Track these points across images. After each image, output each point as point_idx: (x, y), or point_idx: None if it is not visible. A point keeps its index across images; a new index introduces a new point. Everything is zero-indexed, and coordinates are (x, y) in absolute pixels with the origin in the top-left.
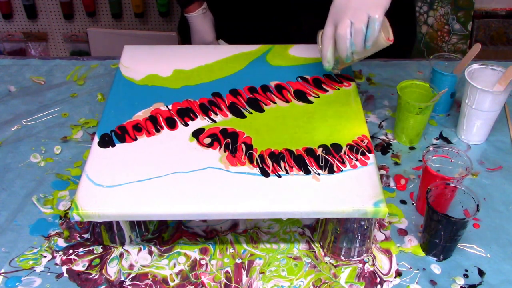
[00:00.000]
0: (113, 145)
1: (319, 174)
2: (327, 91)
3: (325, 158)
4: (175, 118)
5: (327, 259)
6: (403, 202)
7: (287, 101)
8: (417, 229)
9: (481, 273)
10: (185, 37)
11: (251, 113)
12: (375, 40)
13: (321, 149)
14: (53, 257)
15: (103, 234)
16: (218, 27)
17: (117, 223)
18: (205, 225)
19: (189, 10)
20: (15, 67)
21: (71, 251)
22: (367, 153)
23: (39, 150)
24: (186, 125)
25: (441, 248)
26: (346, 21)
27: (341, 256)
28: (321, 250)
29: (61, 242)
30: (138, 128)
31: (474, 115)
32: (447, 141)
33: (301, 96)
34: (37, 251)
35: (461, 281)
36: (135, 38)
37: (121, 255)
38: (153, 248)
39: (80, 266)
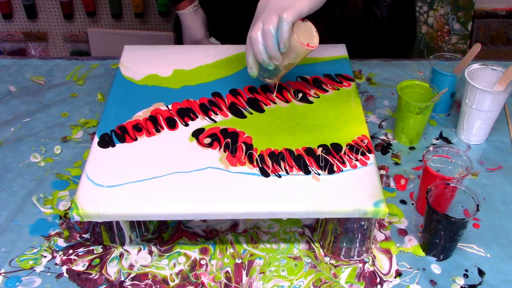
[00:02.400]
0: (113, 145)
1: (319, 174)
2: (327, 91)
3: (325, 158)
4: (175, 118)
5: (327, 259)
6: (403, 202)
7: (287, 101)
8: (417, 229)
9: (481, 273)
10: (180, 35)
11: (251, 113)
12: (288, 43)
13: (321, 149)
14: (53, 257)
15: (103, 234)
16: (218, 27)
17: (117, 223)
18: (205, 225)
19: (180, 7)
20: (15, 67)
21: (71, 251)
22: (367, 153)
23: (39, 150)
24: (186, 125)
25: (441, 248)
26: (258, 24)
27: (341, 256)
28: (321, 250)
29: (61, 242)
30: (138, 128)
31: (474, 115)
32: (447, 141)
33: (301, 96)
34: (37, 251)
35: (461, 281)
36: (135, 38)
37: (121, 255)
38: (153, 248)
39: (80, 266)
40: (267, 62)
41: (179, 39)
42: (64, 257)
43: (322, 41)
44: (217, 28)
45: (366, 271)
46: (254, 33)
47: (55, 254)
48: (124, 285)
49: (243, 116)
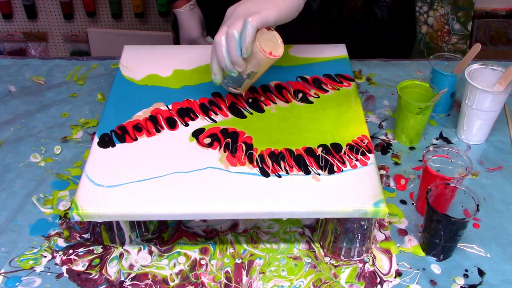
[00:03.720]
0: (113, 145)
1: (319, 174)
2: (327, 91)
3: (325, 158)
4: (175, 118)
5: (327, 259)
6: (403, 202)
7: (287, 101)
8: (417, 229)
9: (481, 273)
10: (178, 34)
11: (252, 113)
12: (250, 49)
13: (321, 148)
14: (53, 257)
15: (103, 234)
16: (215, 27)
17: (117, 223)
18: (205, 225)
19: (176, 5)
20: (15, 67)
21: (71, 251)
22: (367, 153)
23: (39, 150)
24: (186, 125)
25: (441, 248)
26: (223, 28)
27: (341, 256)
28: (321, 250)
29: (61, 242)
30: (138, 128)
31: (474, 115)
32: (447, 141)
33: (301, 96)
34: (37, 251)
35: (461, 281)
36: (135, 38)
37: (121, 255)
38: (153, 248)
39: (80, 266)
40: (230, 67)
41: (177, 38)
42: (64, 257)
43: (319, 41)
44: (215, 28)
45: (366, 271)
46: (218, 37)
47: (55, 254)
48: (124, 285)
49: (243, 116)
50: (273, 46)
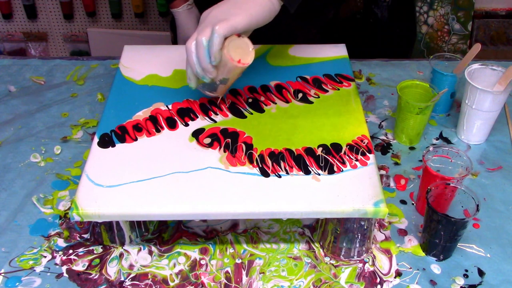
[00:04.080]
0: (113, 145)
1: (319, 174)
2: (327, 91)
3: (325, 158)
4: (175, 118)
5: (327, 259)
6: (403, 202)
7: (287, 101)
8: (417, 229)
9: (481, 273)
10: (176, 34)
11: (252, 113)
12: (218, 56)
13: (321, 149)
14: (53, 257)
15: (103, 234)
16: None
17: (117, 223)
18: (205, 225)
19: (174, 5)
20: (15, 67)
21: (71, 251)
22: (367, 153)
23: (39, 150)
24: (187, 125)
25: (441, 248)
26: (194, 35)
27: (341, 256)
28: (321, 250)
29: (61, 242)
30: (138, 128)
31: (474, 115)
32: (447, 141)
33: (301, 96)
34: (37, 251)
35: (461, 281)
36: (135, 38)
37: (121, 255)
38: (153, 248)
39: (80, 266)
40: (201, 74)
41: (176, 38)
42: (64, 257)
43: (317, 41)
44: None
45: (366, 271)
46: (189, 44)
47: (55, 254)
48: (124, 285)
49: (243, 116)
50: (243, 53)
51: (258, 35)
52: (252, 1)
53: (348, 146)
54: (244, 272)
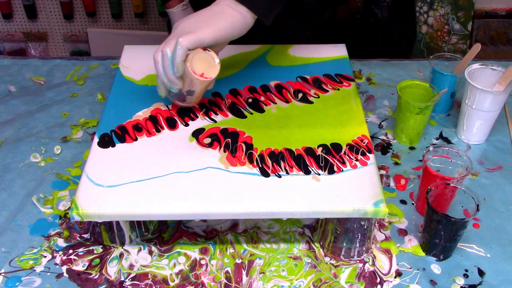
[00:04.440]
0: (113, 145)
1: (319, 174)
2: (327, 91)
3: (325, 158)
4: (175, 118)
5: (327, 259)
6: (403, 202)
7: (287, 101)
8: (417, 229)
9: (481, 273)
10: None
11: (252, 113)
12: (181, 68)
13: (321, 149)
14: (53, 257)
15: (103, 234)
16: None
17: (117, 223)
18: (205, 225)
19: (169, 5)
20: (15, 67)
21: (71, 251)
22: (367, 153)
23: (39, 150)
24: (187, 125)
25: (441, 248)
26: (161, 46)
27: (341, 256)
28: (321, 250)
29: (61, 242)
30: (138, 128)
31: (474, 115)
32: (447, 141)
33: (301, 96)
34: (37, 251)
35: (461, 281)
36: (135, 38)
37: (121, 255)
38: (153, 248)
39: (80, 266)
40: (167, 84)
41: None
42: (64, 257)
43: (312, 43)
44: None
45: (366, 271)
46: (156, 54)
47: (55, 254)
48: (124, 285)
49: (243, 116)
50: (207, 67)
51: (251, 36)
52: (223, 15)
53: (348, 146)
54: (244, 272)
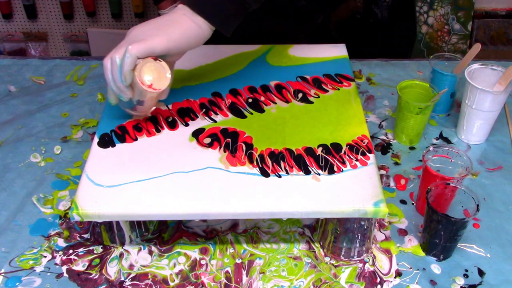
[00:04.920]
0: (113, 145)
1: (319, 174)
2: (327, 91)
3: (325, 158)
4: (175, 118)
5: (327, 259)
6: (403, 202)
7: (287, 101)
8: (417, 229)
9: (481, 273)
10: None
11: (252, 113)
12: (129, 78)
13: (321, 148)
14: (53, 257)
15: (103, 234)
16: None
17: (117, 223)
18: (205, 225)
19: (161, 6)
20: (15, 67)
21: (71, 251)
22: (367, 153)
23: (39, 150)
24: (187, 125)
25: (441, 248)
26: (111, 52)
27: (341, 256)
28: (321, 250)
29: (61, 242)
30: (138, 128)
31: (474, 115)
32: (447, 141)
33: (301, 96)
34: (37, 251)
35: (461, 281)
36: None
37: (121, 255)
38: (153, 248)
39: (80, 266)
40: (117, 92)
41: None
42: (64, 257)
43: (309, 43)
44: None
45: (366, 271)
46: (105, 60)
47: (55, 254)
48: (124, 285)
49: (243, 116)
50: (157, 78)
51: (242, 39)
52: (177, 24)
53: (348, 146)
54: (244, 272)
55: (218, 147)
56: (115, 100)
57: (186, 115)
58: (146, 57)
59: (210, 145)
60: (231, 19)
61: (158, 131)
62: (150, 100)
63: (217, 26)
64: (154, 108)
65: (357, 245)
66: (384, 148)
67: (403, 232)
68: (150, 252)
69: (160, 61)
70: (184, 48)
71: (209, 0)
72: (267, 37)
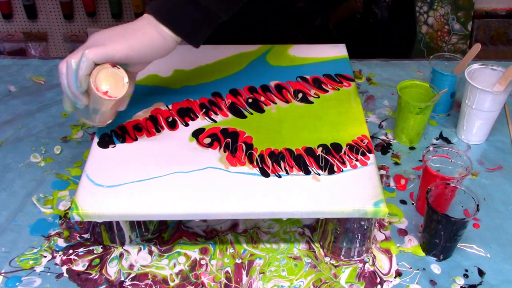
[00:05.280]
0: (113, 145)
1: (319, 174)
2: (327, 91)
3: (325, 158)
4: (175, 118)
5: (327, 259)
6: (403, 202)
7: (287, 101)
8: (417, 229)
9: (481, 273)
10: None
11: (252, 113)
12: (84, 83)
13: (321, 149)
14: (53, 257)
15: (103, 234)
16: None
17: (117, 223)
18: (205, 225)
19: None
20: (15, 67)
21: (71, 251)
22: (367, 153)
23: (39, 150)
24: (187, 125)
25: (441, 248)
26: (67, 56)
27: (341, 256)
28: (321, 250)
29: (61, 242)
30: (138, 128)
31: (474, 115)
32: (447, 141)
33: (301, 96)
34: (37, 251)
35: (461, 281)
36: None
37: (121, 255)
38: (153, 248)
39: (80, 266)
40: (72, 98)
41: None
42: (64, 257)
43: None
44: (218, 28)
45: (366, 271)
46: (61, 64)
47: (55, 254)
48: (124, 285)
49: (243, 116)
50: (114, 86)
51: (242, 39)
52: (140, 33)
53: (348, 146)
54: (244, 272)
55: (218, 147)
56: (71, 107)
57: (186, 115)
58: (104, 63)
59: (210, 145)
60: (199, 30)
61: (158, 131)
62: (107, 108)
63: (183, 37)
64: (110, 120)
65: (357, 245)
66: (384, 148)
67: (403, 232)
68: (150, 252)
69: (118, 68)
70: (147, 58)
71: (175, 10)
72: (267, 37)
